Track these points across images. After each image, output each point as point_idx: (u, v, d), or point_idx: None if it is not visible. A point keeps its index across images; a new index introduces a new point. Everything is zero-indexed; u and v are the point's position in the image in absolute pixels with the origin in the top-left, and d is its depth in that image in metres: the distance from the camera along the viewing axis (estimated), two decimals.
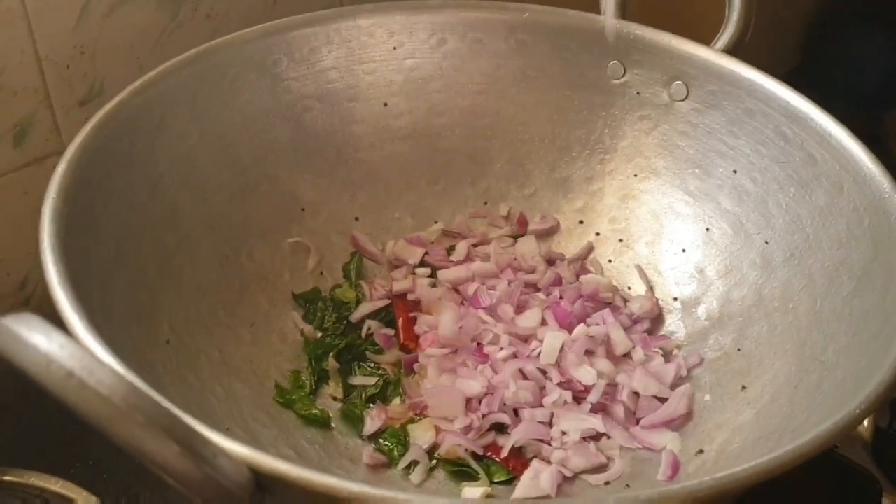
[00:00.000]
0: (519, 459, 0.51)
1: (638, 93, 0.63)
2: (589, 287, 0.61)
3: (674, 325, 0.60)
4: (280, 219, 0.61)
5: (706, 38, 0.61)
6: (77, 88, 0.61)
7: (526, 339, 0.57)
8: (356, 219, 0.64)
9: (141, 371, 0.41)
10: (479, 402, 0.54)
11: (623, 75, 0.63)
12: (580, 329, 0.57)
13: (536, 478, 0.50)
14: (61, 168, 0.46)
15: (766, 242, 0.56)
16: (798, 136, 0.55)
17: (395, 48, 0.64)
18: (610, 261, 0.64)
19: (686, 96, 0.61)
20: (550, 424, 0.53)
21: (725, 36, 0.60)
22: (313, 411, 0.53)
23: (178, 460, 0.27)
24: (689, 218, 0.62)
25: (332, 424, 0.54)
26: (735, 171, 0.59)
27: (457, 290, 0.62)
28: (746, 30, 0.60)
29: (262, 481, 0.32)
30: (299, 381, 0.55)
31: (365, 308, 0.60)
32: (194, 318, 0.53)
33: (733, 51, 0.60)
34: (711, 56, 0.59)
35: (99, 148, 0.49)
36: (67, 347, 0.27)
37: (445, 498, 0.31)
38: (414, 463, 0.51)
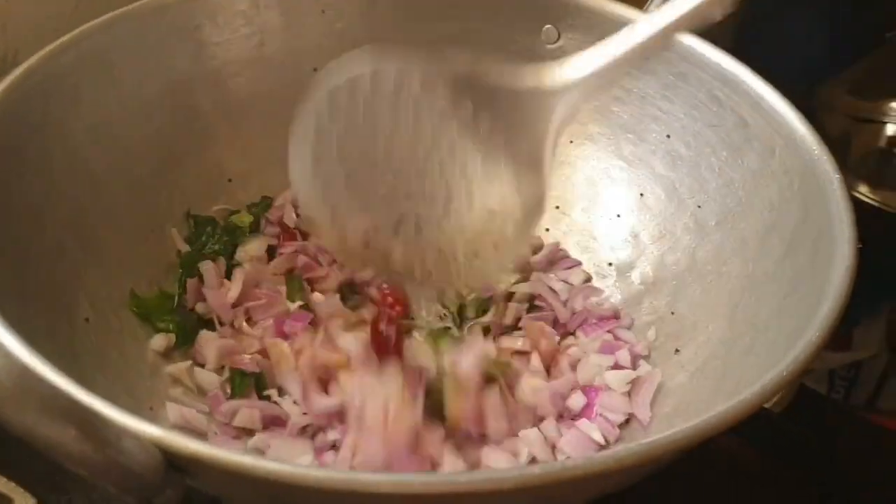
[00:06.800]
0: None
1: None
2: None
3: (609, 290, 0.60)
4: (207, 191, 0.59)
5: (640, 2, 0.60)
6: None
7: None
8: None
9: (57, 351, 0.40)
10: None
11: (557, 40, 0.62)
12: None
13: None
14: None
15: (699, 206, 0.56)
16: (730, 100, 0.55)
17: (323, 11, 0.62)
18: (547, 229, 0.64)
19: None
20: None
21: None
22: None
23: (75, 445, 0.26)
24: (623, 183, 0.61)
25: None
26: (668, 136, 0.59)
27: None
28: None
29: (176, 462, 0.30)
30: None
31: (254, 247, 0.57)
32: (118, 294, 0.52)
33: None
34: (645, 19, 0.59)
35: (7, 118, 0.47)
36: None
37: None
38: None
